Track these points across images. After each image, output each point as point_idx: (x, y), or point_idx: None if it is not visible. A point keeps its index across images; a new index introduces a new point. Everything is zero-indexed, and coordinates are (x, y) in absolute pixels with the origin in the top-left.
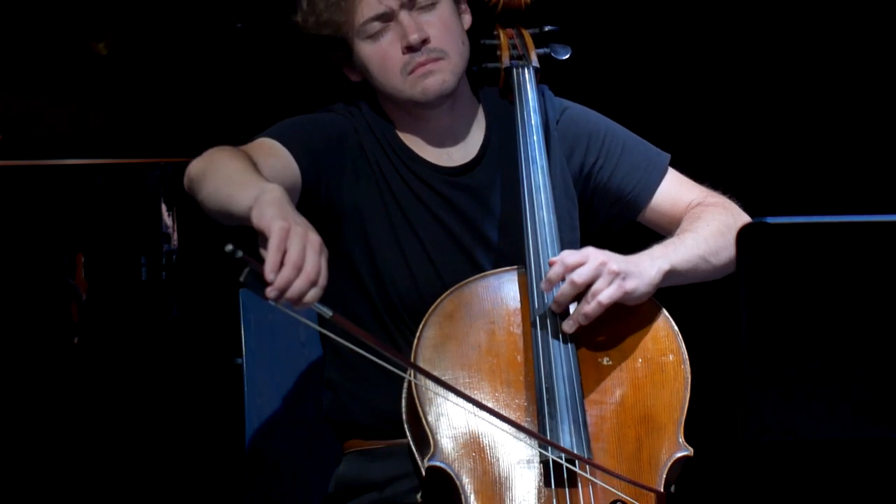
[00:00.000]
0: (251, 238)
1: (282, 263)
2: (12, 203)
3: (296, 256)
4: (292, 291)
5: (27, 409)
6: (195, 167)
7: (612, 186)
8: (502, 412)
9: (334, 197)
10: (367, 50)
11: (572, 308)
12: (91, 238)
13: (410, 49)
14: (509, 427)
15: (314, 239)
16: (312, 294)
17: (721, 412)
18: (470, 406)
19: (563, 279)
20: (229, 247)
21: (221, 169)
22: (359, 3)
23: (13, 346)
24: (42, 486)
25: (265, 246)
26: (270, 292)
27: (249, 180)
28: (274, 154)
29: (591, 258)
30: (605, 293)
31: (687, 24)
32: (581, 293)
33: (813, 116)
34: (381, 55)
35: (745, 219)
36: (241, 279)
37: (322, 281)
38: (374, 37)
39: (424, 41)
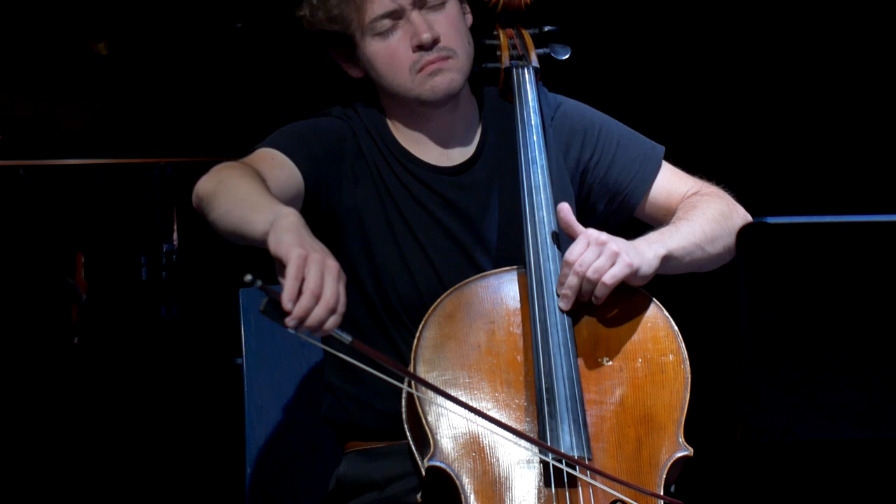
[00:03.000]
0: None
1: (300, 291)
2: (12, 203)
3: (314, 284)
4: (312, 319)
5: (27, 409)
6: (204, 186)
7: (609, 181)
8: (503, 415)
9: (335, 202)
10: (375, 47)
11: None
12: (91, 238)
13: (421, 48)
14: (511, 435)
15: (332, 265)
16: (332, 321)
17: (721, 412)
18: (475, 417)
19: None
20: (248, 277)
21: (232, 189)
22: (370, 1)
23: (13, 346)
24: (42, 486)
25: (283, 273)
26: (290, 321)
27: (262, 202)
28: (278, 164)
29: (592, 242)
30: (611, 273)
31: (687, 23)
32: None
33: (812, 116)
34: (390, 53)
35: (739, 208)
36: (261, 309)
37: (341, 308)
38: (383, 34)
39: (436, 40)
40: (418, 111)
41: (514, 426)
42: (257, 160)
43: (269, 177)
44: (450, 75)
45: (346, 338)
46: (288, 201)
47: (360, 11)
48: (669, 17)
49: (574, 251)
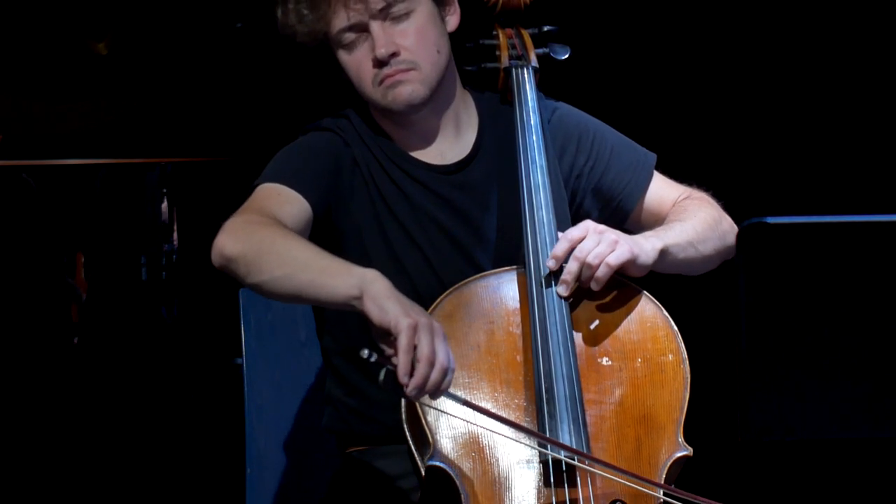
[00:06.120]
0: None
1: (414, 362)
2: (12, 203)
3: (428, 351)
4: (430, 386)
5: (27, 409)
6: (232, 247)
7: (603, 187)
8: (503, 414)
9: (334, 218)
10: (343, 59)
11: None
12: (91, 238)
13: (379, 62)
14: (515, 433)
15: (438, 327)
16: (446, 382)
17: (721, 412)
18: (490, 422)
19: (568, 255)
20: (364, 352)
21: (283, 252)
22: (332, 14)
23: (13, 346)
24: (42, 486)
25: (383, 338)
26: (410, 392)
27: (333, 266)
28: (287, 201)
29: (591, 231)
30: (614, 255)
31: (686, 23)
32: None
33: (812, 116)
34: (356, 65)
35: (727, 216)
36: (380, 381)
37: (453, 366)
38: (348, 47)
39: (393, 54)
40: (396, 119)
41: (514, 420)
42: (264, 200)
43: (282, 216)
44: (410, 87)
45: (460, 398)
46: (300, 232)
47: (328, 25)
48: (669, 15)
49: (573, 232)
